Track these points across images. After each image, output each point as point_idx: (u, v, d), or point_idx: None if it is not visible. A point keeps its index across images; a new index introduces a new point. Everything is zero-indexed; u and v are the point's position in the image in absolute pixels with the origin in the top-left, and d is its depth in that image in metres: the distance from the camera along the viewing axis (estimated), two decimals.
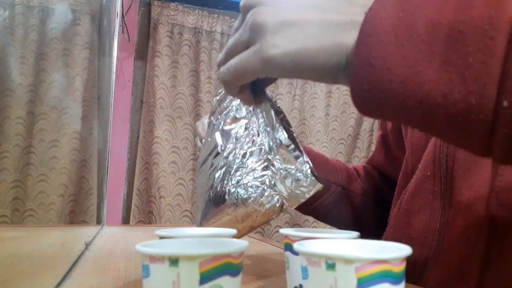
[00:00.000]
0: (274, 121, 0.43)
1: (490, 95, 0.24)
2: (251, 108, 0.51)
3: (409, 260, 0.28)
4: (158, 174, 1.82)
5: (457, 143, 0.29)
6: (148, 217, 1.81)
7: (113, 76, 1.38)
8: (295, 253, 0.38)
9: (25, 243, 0.73)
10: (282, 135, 0.42)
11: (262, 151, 0.46)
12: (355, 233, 0.40)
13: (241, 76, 0.36)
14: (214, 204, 0.50)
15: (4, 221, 1.55)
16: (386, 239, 0.59)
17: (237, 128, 0.52)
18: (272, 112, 0.43)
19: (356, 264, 0.25)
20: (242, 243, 0.30)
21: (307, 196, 0.40)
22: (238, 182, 0.47)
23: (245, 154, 0.48)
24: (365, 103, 0.29)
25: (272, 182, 0.43)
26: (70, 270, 0.51)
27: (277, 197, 0.42)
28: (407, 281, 0.30)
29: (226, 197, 0.48)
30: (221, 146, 0.53)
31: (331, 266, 0.26)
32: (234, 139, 0.51)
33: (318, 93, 2.11)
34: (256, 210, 0.44)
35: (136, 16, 1.90)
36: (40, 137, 1.61)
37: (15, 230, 1.04)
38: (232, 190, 0.47)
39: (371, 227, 0.71)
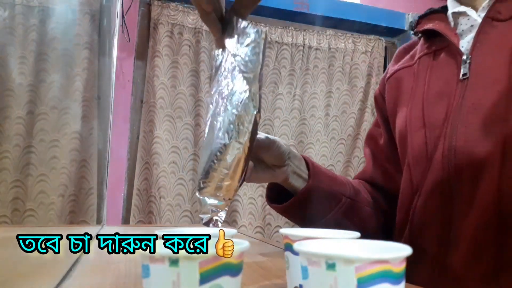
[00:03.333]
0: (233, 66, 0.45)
1: None
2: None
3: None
4: (158, 174, 1.82)
5: None
6: (148, 217, 1.81)
7: (113, 76, 1.38)
8: (295, 253, 0.38)
9: None
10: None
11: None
12: (355, 233, 0.40)
13: None
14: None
15: (4, 221, 1.55)
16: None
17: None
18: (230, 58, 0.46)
19: (356, 264, 0.25)
20: (242, 243, 0.30)
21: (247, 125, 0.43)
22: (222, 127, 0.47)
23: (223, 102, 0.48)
24: None
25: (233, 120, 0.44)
26: (70, 270, 0.51)
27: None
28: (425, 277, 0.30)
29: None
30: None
31: (331, 266, 0.26)
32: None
33: (318, 93, 2.11)
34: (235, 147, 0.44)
35: (136, 16, 1.90)
36: (40, 137, 1.61)
37: (15, 230, 1.04)
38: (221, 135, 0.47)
39: (374, 236, 0.73)
